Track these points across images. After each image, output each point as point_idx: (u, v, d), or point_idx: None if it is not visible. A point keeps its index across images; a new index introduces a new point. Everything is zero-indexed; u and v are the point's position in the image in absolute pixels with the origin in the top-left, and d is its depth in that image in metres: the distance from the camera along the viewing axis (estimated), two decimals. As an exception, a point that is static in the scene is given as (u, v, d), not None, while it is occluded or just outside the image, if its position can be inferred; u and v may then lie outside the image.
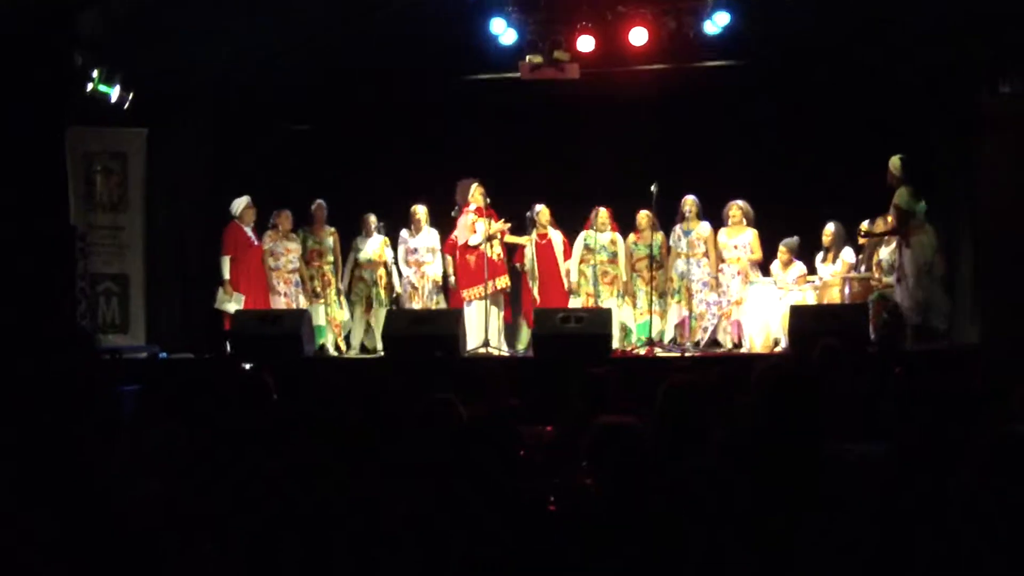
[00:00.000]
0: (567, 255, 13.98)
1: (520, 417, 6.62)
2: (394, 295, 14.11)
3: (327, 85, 14.84)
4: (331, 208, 14.24)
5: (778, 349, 12.66)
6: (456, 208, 13.77)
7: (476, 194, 13.69)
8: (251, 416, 6.63)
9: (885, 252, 12.79)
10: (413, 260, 13.98)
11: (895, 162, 12.52)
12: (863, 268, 13.14)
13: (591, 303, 13.52)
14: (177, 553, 4.52)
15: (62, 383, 7.68)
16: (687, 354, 12.77)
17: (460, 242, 13.78)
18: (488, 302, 13.52)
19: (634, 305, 13.76)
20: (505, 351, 13.43)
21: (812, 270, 13.34)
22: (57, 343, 11.20)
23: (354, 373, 11.82)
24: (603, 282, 13.69)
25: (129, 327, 13.98)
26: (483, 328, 13.28)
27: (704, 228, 13.56)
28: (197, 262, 14.36)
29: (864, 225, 13.10)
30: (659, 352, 12.90)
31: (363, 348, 14.04)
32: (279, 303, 13.63)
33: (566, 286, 13.95)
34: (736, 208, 13.42)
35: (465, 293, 13.73)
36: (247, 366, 10.74)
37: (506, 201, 13.97)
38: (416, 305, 13.87)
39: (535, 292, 13.97)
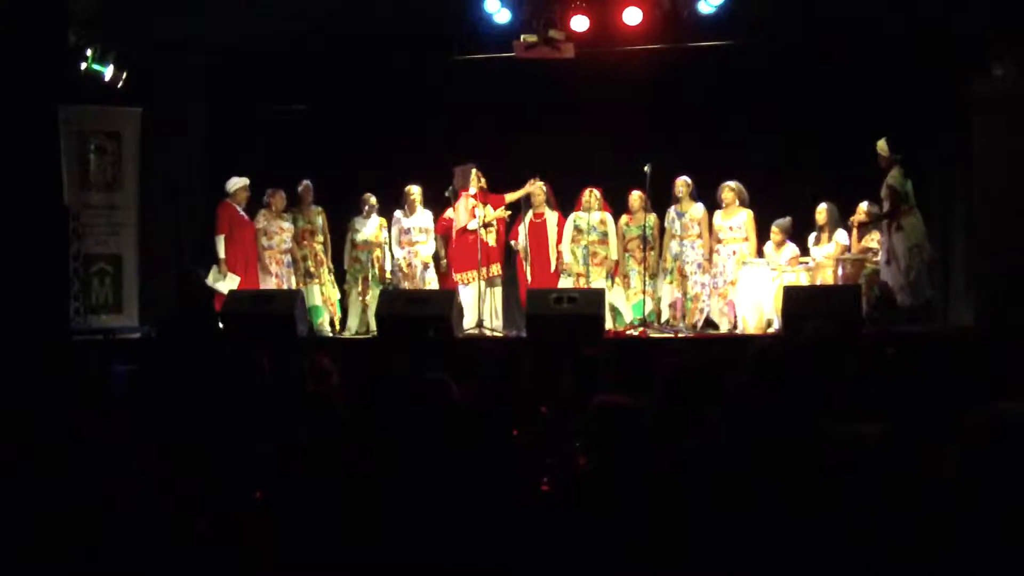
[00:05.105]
0: (560, 236, 13.98)
1: (513, 397, 6.62)
2: (388, 276, 14.08)
3: (320, 65, 14.77)
4: (326, 188, 14.25)
5: (771, 330, 12.66)
6: (451, 189, 13.74)
7: (474, 179, 13.70)
8: (243, 396, 6.63)
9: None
10: (406, 240, 13.97)
11: (882, 144, 12.56)
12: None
13: (582, 283, 13.52)
14: (170, 531, 4.52)
15: (54, 363, 7.68)
16: (680, 335, 12.77)
17: (458, 225, 13.78)
18: (486, 285, 13.54)
19: (627, 286, 13.75)
20: (499, 332, 13.43)
21: (805, 251, 13.34)
22: (51, 323, 11.21)
23: (347, 353, 11.82)
24: (592, 263, 13.69)
25: (123, 307, 13.96)
26: (477, 309, 13.28)
27: (697, 209, 13.58)
28: (191, 242, 14.33)
29: (863, 207, 13.08)
30: (652, 333, 12.91)
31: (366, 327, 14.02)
32: (270, 283, 13.58)
33: (553, 267, 13.96)
34: (728, 190, 13.42)
35: (459, 276, 13.75)
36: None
37: (500, 181, 13.98)
38: (408, 285, 13.87)
39: (527, 271, 13.99)
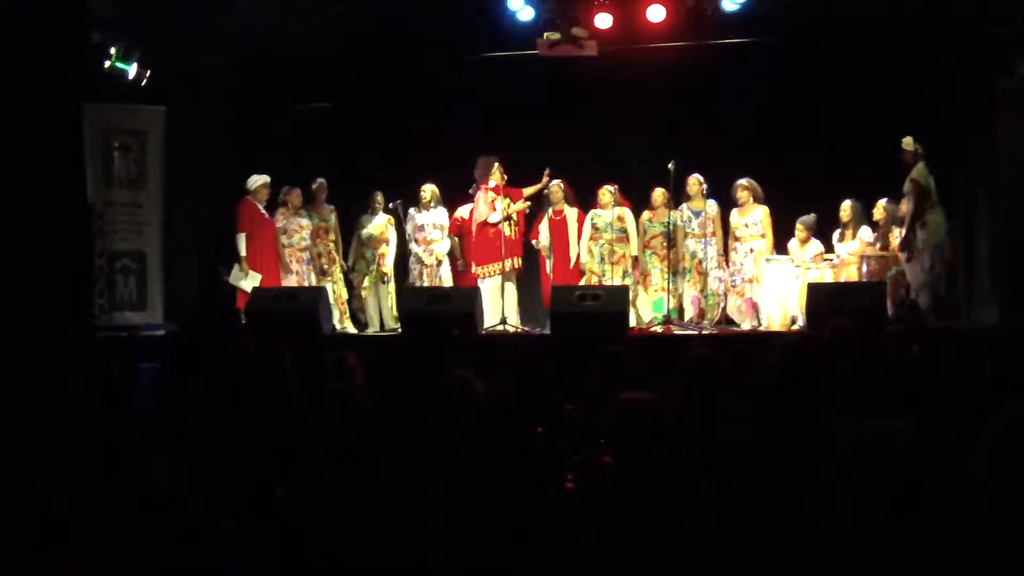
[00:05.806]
0: (581, 233, 13.96)
1: (538, 394, 6.62)
2: (386, 273, 14.08)
3: (343, 63, 14.78)
4: (344, 186, 14.28)
5: (795, 327, 12.64)
6: (474, 184, 13.79)
7: (496, 172, 13.70)
8: (267, 395, 6.64)
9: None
10: (421, 237, 13.99)
11: (908, 140, 12.52)
12: (879, 246, 13.10)
13: (595, 283, 13.50)
14: (190, 530, 4.54)
15: (77, 360, 7.69)
16: (704, 332, 12.75)
17: (479, 219, 13.81)
18: (503, 280, 13.56)
19: (648, 285, 13.71)
20: (522, 328, 13.43)
21: (829, 248, 13.30)
22: (75, 321, 11.24)
23: (372, 351, 11.81)
24: (609, 261, 13.66)
25: (147, 304, 14.00)
26: (499, 305, 13.29)
27: (711, 207, 13.56)
28: (215, 239, 14.34)
29: (881, 203, 13.05)
30: (676, 330, 12.89)
31: (380, 324, 14.07)
32: (291, 281, 13.59)
33: (572, 264, 13.95)
34: (742, 189, 13.41)
35: (481, 269, 13.78)
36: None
37: (522, 179, 13.98)
38: (424, 283, 13.88)
39: (549, 269, 14.01)
